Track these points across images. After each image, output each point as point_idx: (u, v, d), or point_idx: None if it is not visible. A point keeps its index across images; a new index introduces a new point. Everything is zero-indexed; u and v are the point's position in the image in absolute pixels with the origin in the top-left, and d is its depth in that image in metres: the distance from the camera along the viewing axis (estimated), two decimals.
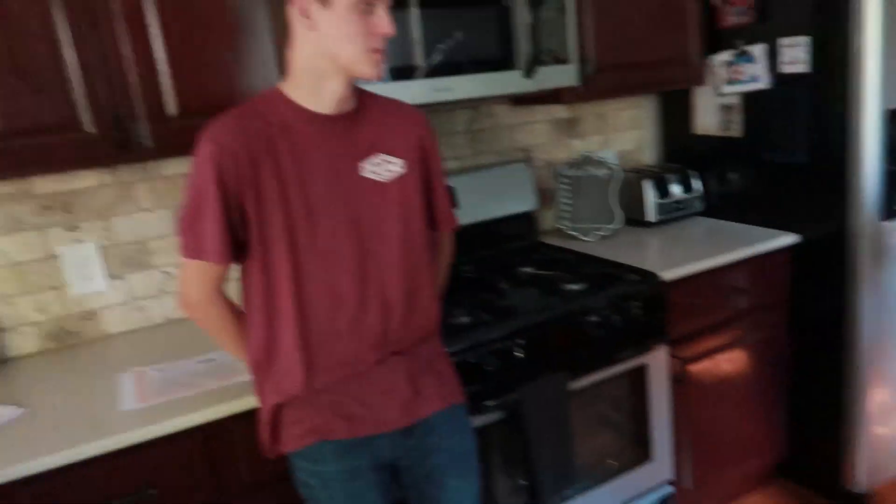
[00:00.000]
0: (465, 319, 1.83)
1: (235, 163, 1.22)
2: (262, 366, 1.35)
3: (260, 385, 1.38)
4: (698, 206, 2.66)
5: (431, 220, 1.48)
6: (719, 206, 2.62)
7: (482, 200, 2.38)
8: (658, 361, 2.08)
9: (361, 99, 1.36)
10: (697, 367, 2.22)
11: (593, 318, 1.93)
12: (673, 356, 2.12)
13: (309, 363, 1.32)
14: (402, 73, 1.81)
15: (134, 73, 1.60)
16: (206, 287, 1.32)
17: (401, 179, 1.37)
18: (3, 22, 1.46)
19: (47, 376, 1.76)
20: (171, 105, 1.64)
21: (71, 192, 1.88)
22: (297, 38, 1.25)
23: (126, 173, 1.94)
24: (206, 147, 1.23)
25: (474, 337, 1.76)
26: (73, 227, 1.90)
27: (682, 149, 2.77)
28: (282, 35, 1.36)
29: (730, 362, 2.30)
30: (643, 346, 2.04)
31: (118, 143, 1.60)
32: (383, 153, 1.35)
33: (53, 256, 1.89)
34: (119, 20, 1.57)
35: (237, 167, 1.22)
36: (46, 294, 1.90)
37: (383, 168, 1.34)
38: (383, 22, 1.21)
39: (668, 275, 2.08)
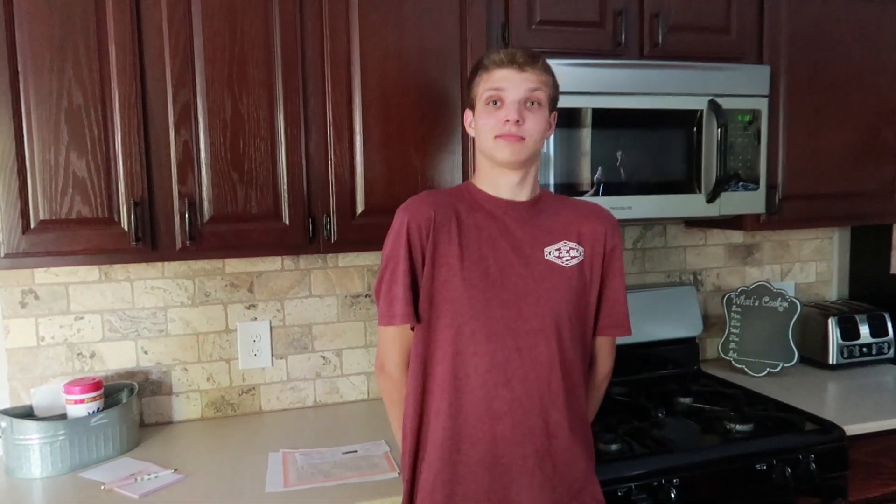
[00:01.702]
0: (614, 447, 1.72)
1: (423, 226, 1.33)
2: (412, 437, 1.35)
3: (409, 452, 1.37)
4: (890, 352, 2.38)
5: (597, 321, 1.44)
6: None
7: (644, 321, 2.28)
8: None
9: (548, 196, 1.45)
10: None
11: (760, 467, 1.74)
12: None
13: (453, 438, 1.31)
14: (577, 189, 1.86)
15: (333, 173, 1.74)
16: (397, 355, 1.40)
17: (580, 266, 1.38)
18: (235, 122, 1.67)
19: (205, 445, 1.86)
20: (360, 204, 1.77)
21: (256, 273, 2.05)
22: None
23: (306, 261, 2.08)
24: (400, 217, 1.35)
25: (623, 468, 1.65)
26: (251, 306, 2.05)
27: (873, 288, 2.52)
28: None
29: None
30: None
31: (308, 234, 1.74)
32: (566, 239, 1.38)
33: (230, 330, 2.04)
34: (330, 126, 1.73)
35: (425, 229, 1.33)
36: (218, 365, 2.04)
37: (566, 253, 1.37)
38: (507, 111, 1.31)
39: (852, 428, 1.85)
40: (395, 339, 1.38)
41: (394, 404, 1.44)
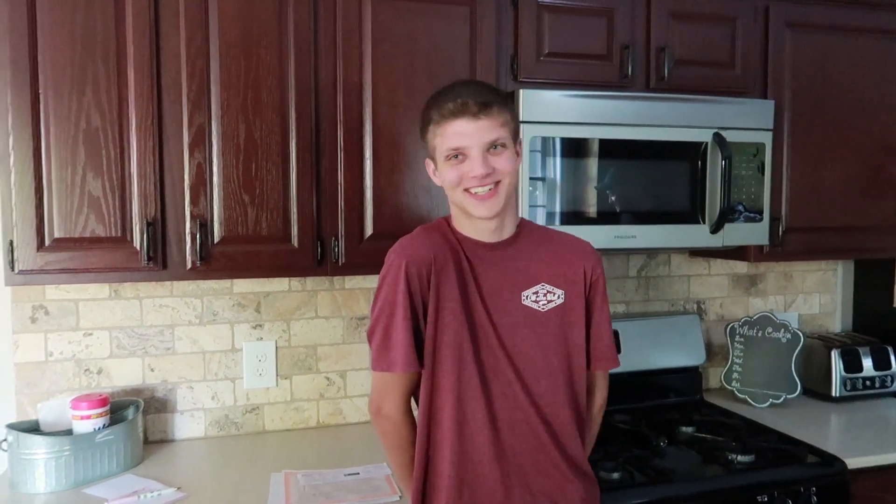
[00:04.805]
0: (615, 475, 1.73)
1: (424, 269, 1.30)
2: (419, 482, 1.34)
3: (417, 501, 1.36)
4: (893, 386, 2.38)
5: (587, 357, 1.44)
6: None
7: (646, 349, 2.30)
8: None
9: (528, 230, 1.42)
10: None
11: (761, 499, 1.74)
12: None
13: (460, 484, 1.31)
14: (582, 217, 1.89)
15: (343, 198, 1.77)
16: (395, 398, 1.36)
17: (559, 309, 1.37)
18: (248, 146, 1.71)
19: (208, 464, 1.87)
20: (368, 228, 1.79)
21: (263, 294, 2.07)
22: None
23: (313, 283, 2.11)
24: (396, 260, 1.31)
25: (623, 497, 1.66)
26: (258, 325, 2.07)
27: (877, 321, 2.52)
28: None
29: None
30: None
31: (317, 257, 1.76)
32: (545, 282, 1.36)
33: (236, 350, 2.06)
34: (340, 152, 1.77)
35: (425, 272, 1.30)
36: (223, 384, 2.05)
37: (543, 297, 1.36)
38: (471, 165, 1.27)
39: (854, 462, 1.85)
40: (394, 384, 1.34)
41: (394, 447, 1.40)
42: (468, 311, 1.32)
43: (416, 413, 1.38)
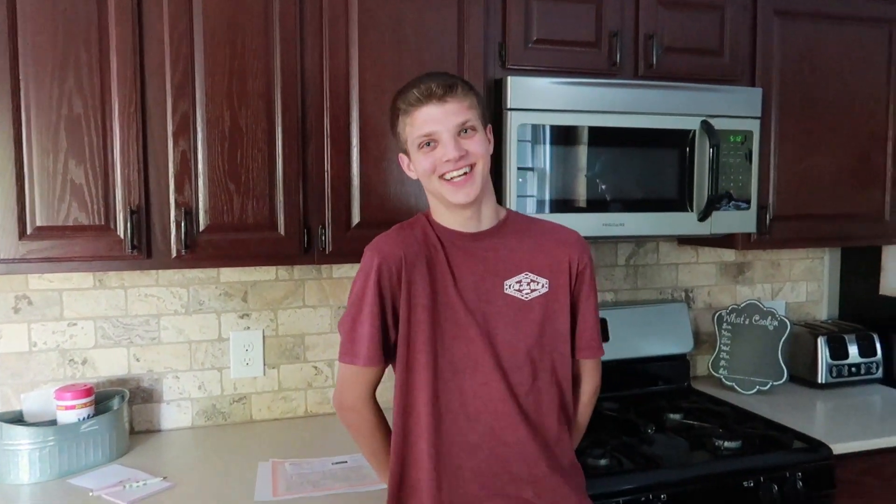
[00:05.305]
0: (602, 462, 1.74)
1: (394, 267, 1.31)
2: (396, 477, 1.35)
3: (394, 496, 1.36)
4: (878, 372, 2.40)
5: (572, 344, 1.43)
6: None
7: (635, 337, 2.30)
8: None
9: (513, 220, 1.41)
10: None
11: (748, 484, 1.75)
12: None
13: (439, 477, 1.31)
14: (570, 205, 1.88)
15: (330, 186, 1.76)
16: (359, 389, 1.37)
17: (542, 298, 1.36)
18: (233, 133, 1.68)
19: (195, 453, 1.86)
20: (355, 216, 1.78)
21: (250, 283, 2.05)
22: None
23: (300, 272, 2.09)
24: (369, 257, 1.33)
25: (611, 483, 1.67)
26: (244, 315, 2.06)
27: (863, 309, 2.54)
28: None
29: None
30: None
31: (303, 245, 1.75)
32: (528, 271, 1.36)
33: (223, 339, 2.04)
34: (327, 139, 1.75)
35: (395, 271, 1.31)
36: (210, 373, 2.04)
37: (526, 286, 1.36)
38: (444, 150, 1.27)
39: (840, 447, 1.86)
40: (358, 376, 1.35)
41: (362, 436, 1.42)
42: (443, 305, 1.32)
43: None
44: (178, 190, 1.66)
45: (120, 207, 1.62)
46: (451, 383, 1.32)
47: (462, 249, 1.35)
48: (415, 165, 1.33)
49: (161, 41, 1.63)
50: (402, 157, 1.38)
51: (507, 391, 1.32)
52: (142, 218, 1.64)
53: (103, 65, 1.59)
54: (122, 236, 1.62)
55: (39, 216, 1.58)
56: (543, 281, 1.37)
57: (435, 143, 1.28)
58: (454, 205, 1.31)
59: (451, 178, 1.29)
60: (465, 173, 1.28)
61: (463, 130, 1.28)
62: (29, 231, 1.58)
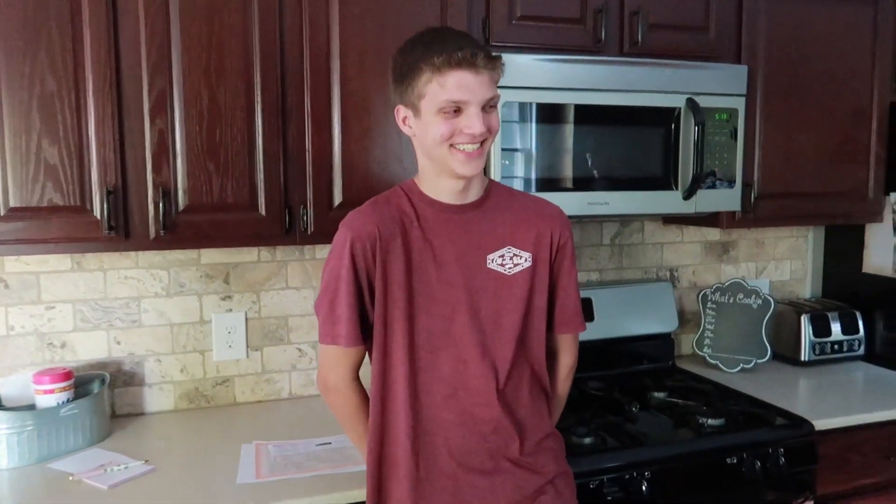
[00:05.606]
0: (587, 440, 1.74)
1: (368, 244, 1.28)
2: (374, 455, 1.34)
3: (372, 474, 1.36)
4: (860, 350, 2.42)
5: (550, 319, 1.43)
6: (885, 354, 2.38)
7: (619, 316, 2.30)
8: None
9: (496, 192, 1.39)
10: None
11: (731, 461, 1.76)
12: None
13: (417, 454, 1.30)
14: (555, 184, 1.87)
15: (311, 165, 1.73)
16: (342, 371, 1.36)
17: (526, 273, 1.35)
18: (212, 111, 1.65)
19: (178, 436, 1.84)
20: (337, 196, 1.75)
21: (232, 265, 2.03)
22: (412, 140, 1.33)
23: (282, 253, 2.07)
24: (342, 234, 1.30)
25: (595, 461, 1.67)
26: (227, 297, 2.03)
27: (846, 286, 2.56)
28: None
29: None
30: (785, 499, 1.83)
31: (285, 226, 1.72)
32: (511, 245, 1.35)
33: (205, 322, 2.02)
34: (308, 118, 1.72)
35: (370, 248, 1.28)
36: (192, 356, 2.02)
37: (509, 260, 1.34)
38: (469, 121, 1.21)
39: (821, 423, 1.88)
40: (341, 357, 1.34)
41: (346, 418, 1.41)
42: (421, 282, 1.30)
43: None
44: (156, 169, 1.63)
45: (96, 188, 1.59)
46: (428, 361, 1.31)
47: (445, 222, 1.32)
48: (426, 127, 1.24)
49: (136, 15, 1.58)
50: (400, 109, 1.29)
51: (486, 368, 1.31)
52: (119, 198, 1.60)
53: (76, 40, 1.55)
54: (98, 217, 1.59)
55: (13, 197, 1.54)
56: (526, 255, 1.36)
57: (459, 112, 1.22)
58: (458, 175, 1.27)
59: (465, 150, 1.24)
60: (478, 147, 1.25)
61: (490, 105, 1.23)
62: (2, 213, 1.54)
